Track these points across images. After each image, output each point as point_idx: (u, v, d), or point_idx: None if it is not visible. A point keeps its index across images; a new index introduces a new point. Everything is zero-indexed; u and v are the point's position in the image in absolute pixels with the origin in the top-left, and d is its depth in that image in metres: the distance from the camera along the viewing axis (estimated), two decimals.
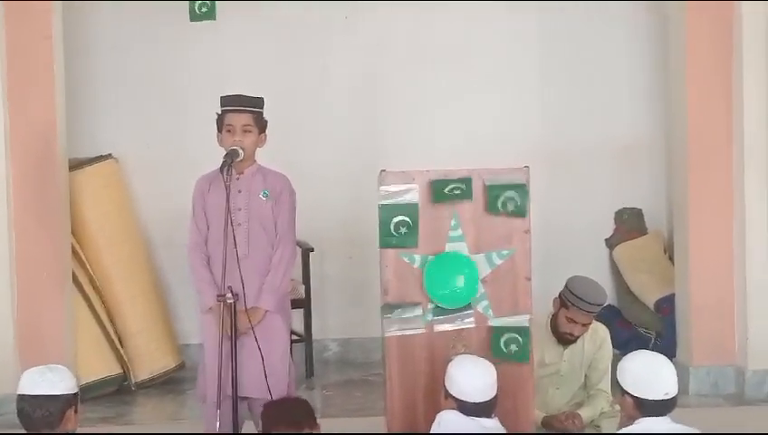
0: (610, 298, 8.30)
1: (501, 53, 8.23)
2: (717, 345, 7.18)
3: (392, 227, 4.83)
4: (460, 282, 4.83)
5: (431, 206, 4.85)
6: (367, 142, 8.11)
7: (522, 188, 4.88)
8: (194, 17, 6.88)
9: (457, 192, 4.82)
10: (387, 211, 4.83)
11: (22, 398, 4.06)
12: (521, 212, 4.88)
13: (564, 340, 5.57)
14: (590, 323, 5.54)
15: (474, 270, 4.84)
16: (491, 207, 4.87)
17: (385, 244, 4.85)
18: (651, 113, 8.40)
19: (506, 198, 4.88)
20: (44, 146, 6.92)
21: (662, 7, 7.84)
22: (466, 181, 4.84)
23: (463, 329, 4.87)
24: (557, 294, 5.53)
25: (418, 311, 4.85)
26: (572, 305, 5.43)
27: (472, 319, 4.88)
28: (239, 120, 5.07)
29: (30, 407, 4.02)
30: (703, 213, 7.19)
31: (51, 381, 4.08)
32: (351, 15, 8.03)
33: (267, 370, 4.97)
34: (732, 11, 7.04)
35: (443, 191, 4.82)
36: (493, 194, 4.86)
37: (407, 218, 4.83)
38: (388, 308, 4.84)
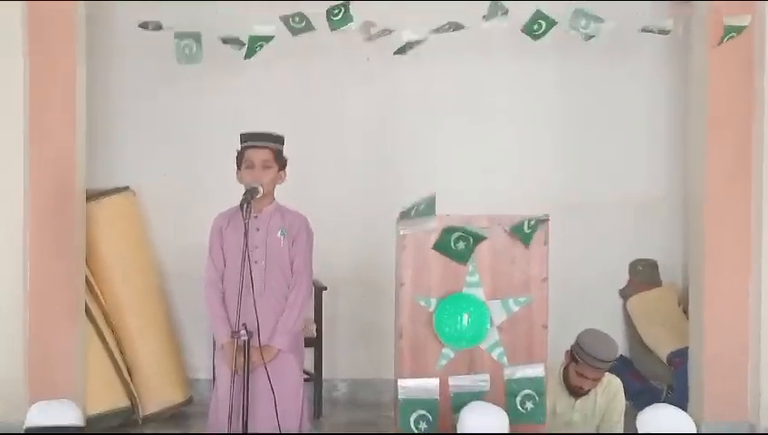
0: (623, 349, 8.27)
1: (519, 100, 8.24)
2: (730, 401, 7.12)
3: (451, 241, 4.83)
4: (465, 320, 4.80)
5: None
6: (383, 184, 8.10)
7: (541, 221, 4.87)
8: (180, 59, 6.60)
9: (461, 246, 4.81)
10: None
11: (30, 431, 4.08)
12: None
13: (575, 392, 5.54)
14: (600, 378, 5.51)
15: (483, 311, 4.81)
16: (525, 240, 4.87)
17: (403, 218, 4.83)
18: (669, 165, 8.40)
19: (529, 225, 4.87)
20: (63, 176, 6.93)
21: (683, 58, 7.85)
22: (474, 236, 4.82)
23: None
24: (569, 347, 5.51)
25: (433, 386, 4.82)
26: (582, 361, 5.41)
27: (487, 381, 4.84)
28: (259, 155, 5.08)
29: None
30: (718, 266, 7.17)
31: (58, 412, 4.14)
32: (373, 58, 8.05)
33: (278, 408, 4.94)
34: (753, 63, 7.05)
35: (447, 240, 4.81)
36: (520, 231, 4.86)
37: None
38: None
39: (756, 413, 7.08)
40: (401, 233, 4.81)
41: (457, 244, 4.82)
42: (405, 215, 4.83)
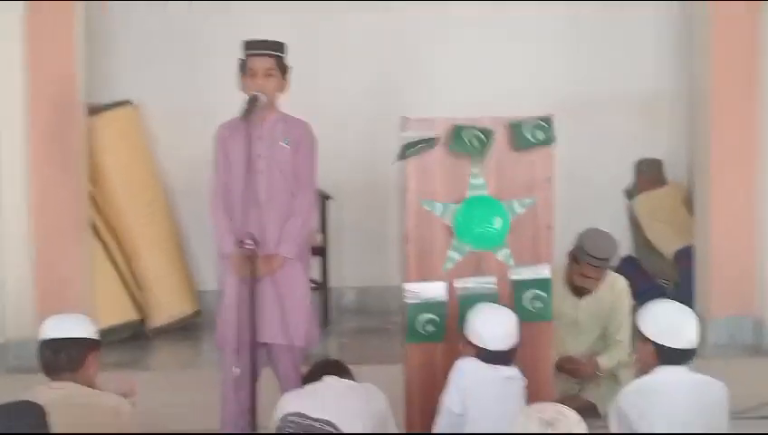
0: (629, 249, 8.31)
1: (524, 4, 8.13)
2: (736, 296, 7.17)
3: (413, 149, 4.77)
4: (497, 223, 4.79)
5: (453, 153, 4.81)
6: (388, 91, 8.06)
7: (548, 122, 4.84)
8: None
9: (476, 144, 4.78)
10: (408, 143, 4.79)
11: (44, 343, 4.08)
12: (549, 141, 4.84)
13: (579, 292, 5.57)
14: (601, 277, 5.53)
15: (505, 213, 4.80)
16: (518, 142, 4.82)
17: (402, 157, 4.79)
18: (674, 64, 8.35)
19: (534, 129, 4.83)
20: (63, 91, 6.90)
21: None
22: (486, 133, 4.79)
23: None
24: (571, 248, 5.53)
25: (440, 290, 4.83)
26: (582, 261, 5.43)
27: (494, 283, 4.86)
28: (262, 63, 5.02)
29: (52, 351, 4.05)
30: (724, 164, 7.16)
31: (73, 325, 4.13)
32: None
33: (287, 316, 4.96)
34: None
35: (461, 138, 4.78)
36: (518, 130, 4.81)
37: (427, 146, 4.77)
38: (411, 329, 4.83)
39: (762, 308, 7.13)
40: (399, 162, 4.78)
41: (472, 142, 4.79)
42: (406, 150, 4.78)
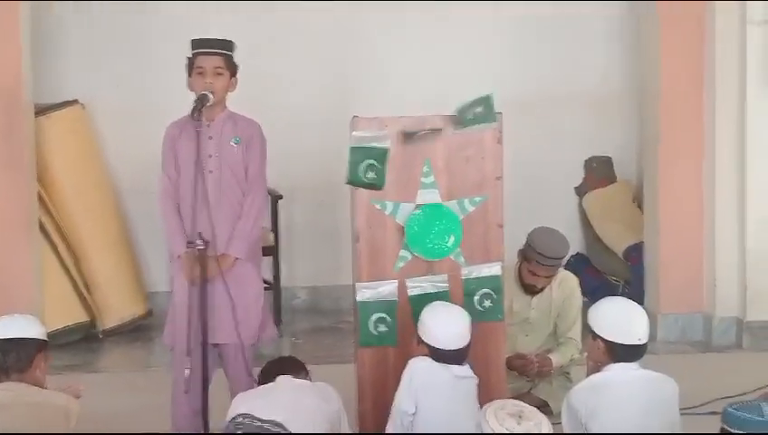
0: (580, 246, 8.35)
1: (476, 3, 8.12)
2: (685, 293, 7.23)
3: (361, 172, 4.78)
4: (451, 241, 4.80)
5: (403, 152, 4.81)
6: (337, 89, 8.04)
7: (487, 100, 4.85)
8: None
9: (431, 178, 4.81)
10: (357, 154, 4.78)
11: None
12: (490, 118, 4.85)
13: (530, 290, 5.58)
14: (553, 275, 5.55)
15: (458, 224, 4.80)
16: (460, 121, 4.83)
17: (352, 181, 4.80)
18: (624, 62, 8.40)
19: (472, 106, 4.84)
20: (10, 91, 6.82)
21: None
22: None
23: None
24: (521, 247, 5.54)
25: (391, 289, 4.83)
26: (533, 260, 5.44)
27: (446, 282, 4.86)
28: (210, 62, 4.99)
29: (0, 352, 4.03)
30: (673, 162, 7.23)
31: (21, 326, 4.14)
32: None
33: (238, 316, 4.93)
34: None
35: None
36: (460, 112, 4.83)
37: (375, 163, 4.79)
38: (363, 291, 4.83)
39: (711, 304, 7.19)
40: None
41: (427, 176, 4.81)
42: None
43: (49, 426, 3.91)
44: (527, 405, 3.40)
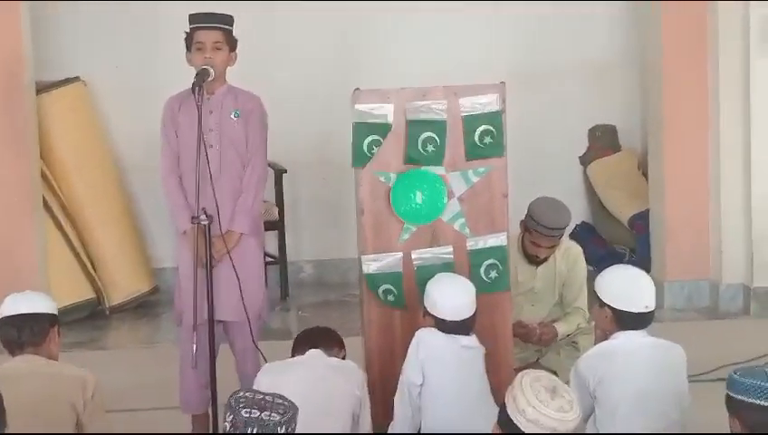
0: (585, 215, 8.34)
1: None
2: (692, 260, 7.23)
3: (365, 148, 4.77)
4: (419, 198, 4.78)
5: (406, 124, 4.79)
6: (343, 64, 8.01)
7: (497, 117, 4.82)
8: None
9: (431, 149, 4.76)
10: (360, 130, 4.77)
11: (5, 320, 4.09)
12: (498, 151, 4.85)
13: (533, 261, 5.57)
14: (555, 245, 5.53)
15: (438, 185, 4.78)
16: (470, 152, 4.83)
17: (358, 163, 4.79)
18: (625, 30, 8.36)
19: (483, 134, 4.82)
20: (10, 69, 6.81)
21: None
22: (439, 129, 4.77)
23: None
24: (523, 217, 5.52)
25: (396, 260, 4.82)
26: (534, 230, 5.42)
27: (451, 253, 4.84)
28: (209, 37, 4.97)
29: (14, 328, 4.06)
30: (677, 129, 7.20)
31: (32, 301, 4.16)
32: None
33: (245, 292, 4.93)
34: None
35: (416, 148, 4.78)
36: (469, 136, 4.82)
37: (378, 138, 4.77)
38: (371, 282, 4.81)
39: (718, 271, 7.19)
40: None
41: (426, 148, 4.79)
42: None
43: (66, 395, 3.95)
44: (560, 381, 3.38)
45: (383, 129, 4.78)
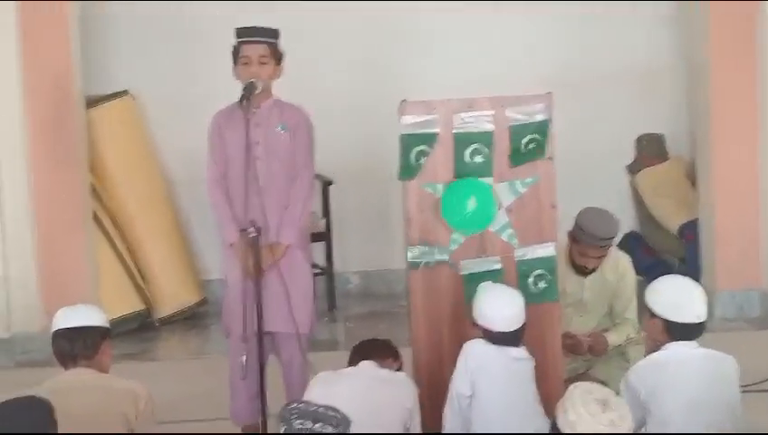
0: (633, 225, 8.28)
1: None
2: (742, 269, 7.16)
3: (413, 159, 4.77)
4: (470, 206, 4.77)
5: (453, 135, 4.79)
6: (386, 73, 8.01)
7: (544, 126, 4.81)
8: None
9: (480, 160, 4.77)
10: (407, 142, 4.77)
11: (58, 333, 4.14)
12: (542, 155, 4.84)
13: (582, 271, 5.53)
14: (603, 255, 5.49)
15: (488, 194, 4.77)
16: (515, 159, 4.82)
17: (405, 175, 4.79)
18: (671, 37, 8.31)
19: (528, 142, 4.82)
20: (60, 84, 6.88)
21: None
22: (486, 139, 4.78)
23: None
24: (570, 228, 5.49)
25: (443, 254, 4.81)
26: (582, 241, 5.38)
27: (499, 263, 4.83)
28: (255, 51, 5.00)
29: (67, 341, 4.10)
30: (726, 136, 7.14)
31: (84, 314, 4.21)
32: None
33: (290, 304, 4.95)
34: None
35: (464, 159, 4.78)
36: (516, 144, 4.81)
37: (426, 148, 4.77)
38: (414, 250, 4.79)
39: None
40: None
41: (474, 159, 4.79)
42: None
43: (118, 408, 3.99)
44: (614, 394, 3.36)
45: (430, 138, 4.78)
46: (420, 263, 4.78)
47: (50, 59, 6.83)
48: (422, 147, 4.77)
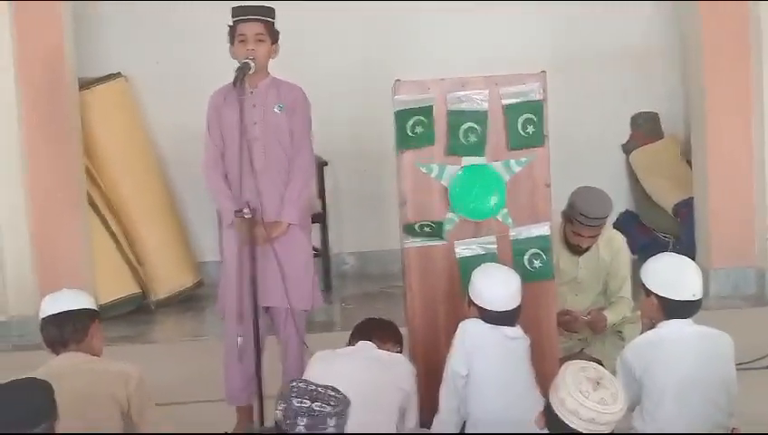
0: (628, 203, 8.29)
1: None
2: (737, 247, 7.17)
3: (408, 129, 4.76)
4: (494, 199, 4.77)
5: (446, 114, 4.78)
6: (379, 53, 8.00)
7: (539, 106, 4.80)
8: None
9: (473, 139, 4.76)
10: (403, 115, 4.76)
11: (46, 320, 4.11)
12: (540, 141, 4.83)
13: (576, 251, 5.54)
14: (598, 234, 5.50)
15: (497, 181, 4.77)
16: (512, 142, 4.82)
17: (402, 146, 4.78)
18: (665, 16, 8.29)
19: (525, 123, 4.80)
20: (53, 66, 6.86)
21: None
22: (480, 119, 4.77)
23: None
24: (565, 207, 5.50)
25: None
26: (575, 220, 5.39)
27: (494, 243, 4.83)
28: (251, 29, 4.98)
29: (56, 326, 4.08)
30: (720, 115, 7.13)
31: (71, 298, 4.17)
32: None
33: (290, 282, 4.94)
34: None
35: (458, 138, 4.77)
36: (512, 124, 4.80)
37: (423, 118, 4.76)
38: (409, 228, 4.79)
39: (764, 258, 7.13)
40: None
41: (468, 138, 4.78)
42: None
43: (109, 390, 3.97)
44: (608, 373, 3.36)
45: (426, 110, 4.77)
46: (415, 226, 4.78)
47: (42, 42, 6.81)
48: (418, 117, 4.75)
